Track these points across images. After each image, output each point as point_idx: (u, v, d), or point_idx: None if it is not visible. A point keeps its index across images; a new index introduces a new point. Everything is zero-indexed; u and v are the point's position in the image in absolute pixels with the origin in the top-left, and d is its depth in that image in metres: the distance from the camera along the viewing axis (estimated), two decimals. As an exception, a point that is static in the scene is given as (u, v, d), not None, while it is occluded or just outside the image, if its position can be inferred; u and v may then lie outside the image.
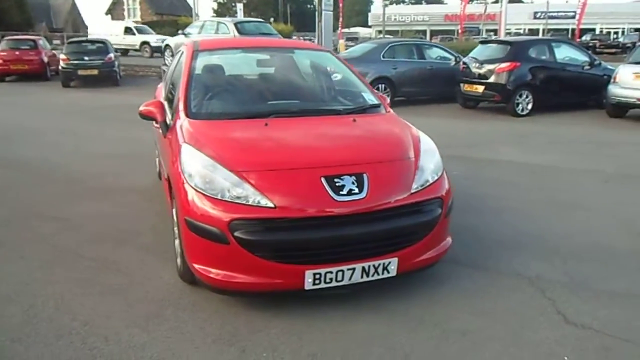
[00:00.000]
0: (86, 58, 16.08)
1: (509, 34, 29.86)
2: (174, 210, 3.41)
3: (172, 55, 18.76)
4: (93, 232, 4.28)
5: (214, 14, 55.99)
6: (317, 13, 16.31)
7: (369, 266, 2.91)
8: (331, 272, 2.84)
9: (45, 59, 17.88)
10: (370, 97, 4.09)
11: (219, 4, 61.98)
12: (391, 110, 4.01)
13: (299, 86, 4.41)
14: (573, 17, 38.53)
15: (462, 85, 11.27)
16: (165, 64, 18.39)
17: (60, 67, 16.14)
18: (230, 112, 3.71)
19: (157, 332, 2.83)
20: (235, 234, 2.76)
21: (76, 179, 5.88)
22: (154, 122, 4.54)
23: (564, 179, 6.01)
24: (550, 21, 43.65)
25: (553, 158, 7.00)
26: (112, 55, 16.71)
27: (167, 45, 19.75)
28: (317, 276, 2.82)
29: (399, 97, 11.70)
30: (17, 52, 17.44)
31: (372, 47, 12.65)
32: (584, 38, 33.85)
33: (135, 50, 25.96)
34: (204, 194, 2.90)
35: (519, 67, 10.37)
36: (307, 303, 3.08)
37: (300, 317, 2.97)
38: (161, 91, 5.26)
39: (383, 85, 11.40)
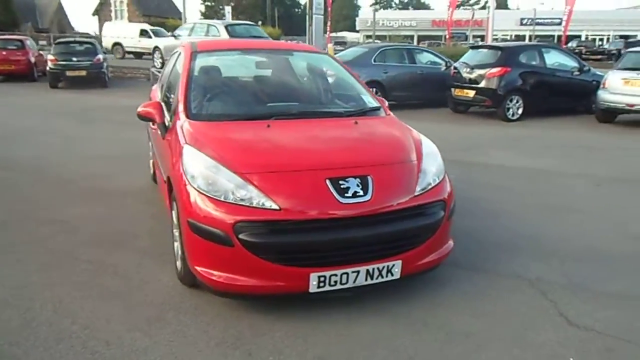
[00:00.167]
0: (74, 59, 15.93)
1: (495, 39, 30.20)
2: (173, 212, 3.38)
3: (162, 58, 18.71)
4: (89, 234, 4.23)
5: (202, 17, 55.86)
6: (307, 17, 16.34)
7: (374, 269, 2.90)
8: (336, 275, 2.83)
9: (33, 60, 17.65)
10: (369, 100, 4.09)
11: (207, 6, 61.83)
12: (391, 113, 4.02)
13: (298, 88, 4.41)
14: (559, 23, 38.94)
15: (453, 90, 11.34)
16: (155, 66, 18.29)
17: (48, 68, 15.95)
18: (231, 113, 3.69)
19: (159, 336, 2.79)
20: (240, 236, 2.74)
21: (69, 181, 5.81)
22: (150, 124, 4.53)
23: (557, 182, 6.06)
24: (537, 27, 44.18)
25: (545, 162, 7.07)
26: (100, 56, 16.55)
27: (156, 48, 19.63)
28: (322, 279, 2.81)
29: (390, 102, 11.55)
30: (3, 52, 17.18)
31: (363, 52, 12.71)
32: (570, 44, 34.26)
33: (149, 54, 22.35)
34: (207, 196, 2.88)
35: (509, 73, 10.47)
36: (309, 306, 3.06)
37: (304, 320, 2.95)
38: (156, 93, 5.21)
39: (374, 89, 11.38)
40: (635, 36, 43.23)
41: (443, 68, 12.66)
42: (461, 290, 3.36)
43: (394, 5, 79.00)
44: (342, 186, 2.89)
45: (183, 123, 3.48)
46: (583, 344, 2.79)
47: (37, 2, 52.43)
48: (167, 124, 3.81)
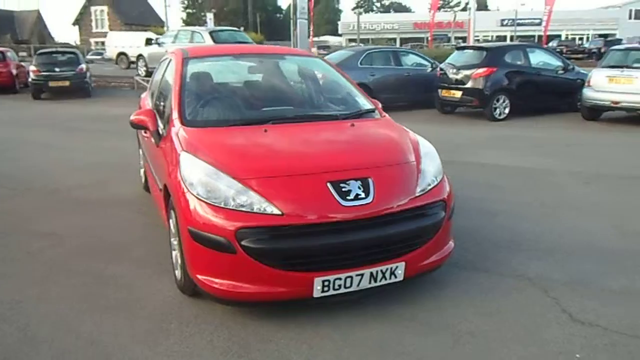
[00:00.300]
0: (57, 69, 15.74)
1: (477, 40, 30.49)
2: (171, 221, 3.32)
3: (146, 66, 18.58)
4: (82, 246, 4.15)
5: (184, 24, 55.65)
6: (292, 21, 16.35)
7: (377, 271, 2.88)
8: (340, 279, 2.80)
9: (14, 71, 17.38)
10: (364, 102, 4.07)
11: (189, 14, 61.69)
12: (386, 115, 4.01)
13: (293, 92, 4.38)
14: (539, 23, 39.58)
15: (440, 90, 11.41)
16: (139, 75, 18.14)
17: (30, 79, 15.75)
18: (226, 119, 3.65)
19: (162, 347, 2.73)
20: (243, 242, 2.70)
21: (57, 191, 5.72)
22: (142, 132, 4.47)
23: (547, 180, 6.10)
24: (517, 28, 44.70)
25: (534, 160, 7.11)
26: (83, 66, 16.40)
27: (140, 56, 19.48)
28: (326, 283, 2.78)
29: (378, 104, 11.74)
30: (-16, 65, 16.92)
31: (349, 54, 12.71)
32: (550, 44, 34.69)
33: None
34: (207, 203, 2.83)
35: (495, 72, 10.56)
36: (312, 311, 3.03)
37: (307, 326, 2.91)
38: (146, 100, 5.15)
39: (361, 92, 11.44)
40: (614, 35, 43.98)
41: (429, 70, 12.73)
42: (463, 290, 3.35)
43: (375, 8, 79.38)
44: (343, 189, 2.87)
45: (178, 130, 3.43)
46: (588, 339, 2.79)
47: (15, 14, 51.85)
48: (160, 131, 3.76)
